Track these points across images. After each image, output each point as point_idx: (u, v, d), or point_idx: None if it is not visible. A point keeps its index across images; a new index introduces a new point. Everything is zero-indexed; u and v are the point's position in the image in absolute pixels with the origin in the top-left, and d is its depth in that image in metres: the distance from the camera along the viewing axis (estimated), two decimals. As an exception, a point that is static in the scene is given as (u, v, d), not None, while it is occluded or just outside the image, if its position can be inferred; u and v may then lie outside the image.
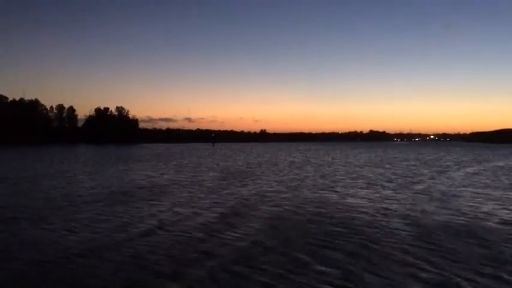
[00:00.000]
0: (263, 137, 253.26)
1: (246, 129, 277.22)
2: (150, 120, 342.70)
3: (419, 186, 21.54)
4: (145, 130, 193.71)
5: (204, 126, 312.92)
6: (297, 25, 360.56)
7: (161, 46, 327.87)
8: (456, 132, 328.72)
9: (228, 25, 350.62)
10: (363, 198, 17.32)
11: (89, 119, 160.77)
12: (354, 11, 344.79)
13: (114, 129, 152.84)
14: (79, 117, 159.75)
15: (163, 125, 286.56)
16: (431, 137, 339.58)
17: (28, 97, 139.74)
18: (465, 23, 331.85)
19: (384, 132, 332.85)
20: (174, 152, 73.03)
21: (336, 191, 19.47)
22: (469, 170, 33.72)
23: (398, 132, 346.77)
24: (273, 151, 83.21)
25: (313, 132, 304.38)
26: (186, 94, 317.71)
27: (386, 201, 16.46)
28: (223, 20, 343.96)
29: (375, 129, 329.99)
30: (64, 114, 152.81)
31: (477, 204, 15.55)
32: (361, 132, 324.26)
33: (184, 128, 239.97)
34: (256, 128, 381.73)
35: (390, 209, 14.51)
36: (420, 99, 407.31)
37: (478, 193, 18.82)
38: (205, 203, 15.92)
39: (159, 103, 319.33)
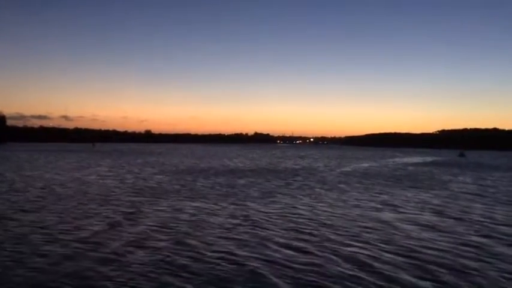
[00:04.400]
0: (148, 137, 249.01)
1: (130, 129, 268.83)
2: (21, 117, 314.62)
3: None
4: (15, 128, 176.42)
5: (83, 125, 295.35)
6: (182, 26, 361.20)
7: (33, 37, 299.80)
8: (333, 136, 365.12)
9: (109, 21, 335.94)
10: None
11: None
12: (243, 14, 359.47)
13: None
14: None
15: (37, 123, 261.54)
16: (311, 140, 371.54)
17: None
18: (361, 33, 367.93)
19: (267, 134, 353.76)
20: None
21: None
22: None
23: (281, 134, 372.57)
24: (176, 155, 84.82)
25: (199, 133, 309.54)
26: (63, 90, 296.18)
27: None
28: (103, 16, 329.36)
29: (259, 131, 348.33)
30: None
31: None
32: (246, 134, 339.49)
33: (60, 127, 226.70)
34: (141, 128, 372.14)
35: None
36: (299, 103, 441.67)
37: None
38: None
39: (32, 99, 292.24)
